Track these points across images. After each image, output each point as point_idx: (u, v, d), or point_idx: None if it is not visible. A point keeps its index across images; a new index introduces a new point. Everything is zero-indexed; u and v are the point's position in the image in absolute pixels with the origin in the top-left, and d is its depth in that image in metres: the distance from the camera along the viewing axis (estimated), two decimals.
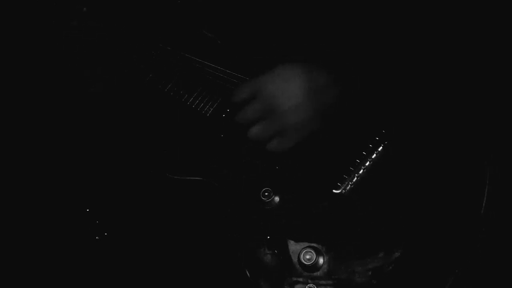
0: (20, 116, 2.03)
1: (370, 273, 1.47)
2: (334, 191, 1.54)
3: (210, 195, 1.67)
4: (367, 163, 1.54)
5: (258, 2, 1.75)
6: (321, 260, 1.49)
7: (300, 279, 1.51)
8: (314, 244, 1.51)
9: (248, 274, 1.55)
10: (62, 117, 2.00)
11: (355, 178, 1.53)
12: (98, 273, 1.98)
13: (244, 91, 1.59)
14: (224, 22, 1.76)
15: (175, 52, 1.74)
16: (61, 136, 2.02)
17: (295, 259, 1.52)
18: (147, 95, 1.82)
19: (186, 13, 1.78)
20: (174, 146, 1.74)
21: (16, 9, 1.87)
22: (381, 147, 1.54)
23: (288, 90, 1.54)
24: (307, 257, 1.49)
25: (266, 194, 1.58)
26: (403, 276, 1.45)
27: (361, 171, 1.53)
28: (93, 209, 2.00)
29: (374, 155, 1.54)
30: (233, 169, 1.65)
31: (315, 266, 1.49)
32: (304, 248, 1.50)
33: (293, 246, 1.53)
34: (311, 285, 1.49)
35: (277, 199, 1.58)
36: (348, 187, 1.53)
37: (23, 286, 2.01)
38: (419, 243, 1.45)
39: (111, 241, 1.98)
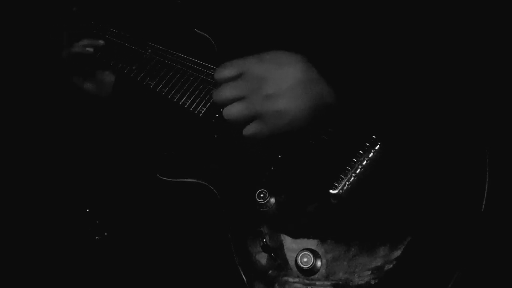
0: (20, 117, 2.03)
1: (369, 273, 1.39)
2: (331, 191, 1.44)
3: (205, 196, 1.60)
4: (365, 162, 1.44)
5: (252, 1, 1.65)
6: (318, 263, 1.41)
7: (297, 283, 1.43)
8: (311, 247, 1.43)
9: (244, 277, 1.47)
10: (62, 118, 2.00)
11: (352, 178, 1.44)
12: (98, 273, 1.96)
13: (230, 69, 1.42)
14: (217, 21, 1.68)
15: (167, 51, 1.67)
16: (61, 137, 2.02)
17: (292, 262, 1.43)
18: (142, 96, 1.76)
19: (178, 12, 1.72)
20: (169, 147, 1.68)
21: (8, 7, 1.83)
22: (378, 146, 1.44)
23: (278, 74, 1.40)
24: (304, 260, 1.40)
25: (262, 195, 1.49)
26: (403, 276, 1.37)
27: (358, 170, 1.44)
28: (93, 209, 1.97)
29: (372, 153, 1.44)
30: (228, 170, 1.57)
31: (312, 270, 1.40)
32: (301, 250, 1.41)
33: (289, 249, 1.45)
34: None
35: (272, 200, 1.49)
36: (345, 187, 1.44)
37: (23, 286, 2.00)
38: (419, 241, 1.36)
39: (111, 241, 1.95)
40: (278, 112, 1.39)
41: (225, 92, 1.41)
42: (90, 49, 1.77)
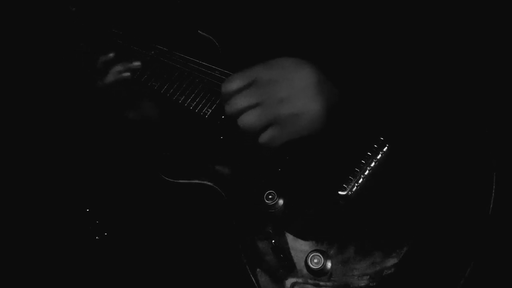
0: (21, 116, 1.99)
1: (378, 274, 1.36)
2: (339, 192, 1.42)
3: (212, 198, 1.57)
4: (373, 164, 1.42)
5: (256, 3, 1.62)
6: (329, 264, 1.39)
7: (306, 283, 1.40)
8: (320, 248, 1.40)
9: (253, 280, 1.45)
10: (63, 117, 1.96)
11: (361, 179, 1.42)
12: (98, 273, 1.94)
13: (238, 80, 1.38)
14: (220, 22, 1.64)
15: (171, 53, 1.63)
16: (62, 137, 1.98)
17: (301, 264, 1.41)
18: (146, 97, 1.72)
19: (182, 13, 1.68)
20: (175, 149, 1.64)
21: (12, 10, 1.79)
22: (386, 147, 1.42)
23: (289, 77, 1.36)
24: (315, 261, 1.38)
25: (270, 197, 1.46)
26: (413, 277, 1.35)
27: (367, 172, 1.42)
28: (93, 209, 1.95)
29: (380, 155, 1.42)
30: (235, 172, 1.54)
31: (323, 271, 1.38)
32: (311, 252, 1.39)
33: (298, 250, 1.43)
34: None
35: (281, 202, 1.46)
36: (354, 189, 1.41)
37: (23, 286, 1.96)
38: (428, 243, 1.34)
39: (111, 241, 1.93)
40: (294, 115, 1.36)
41: (239, 102, 1.36)
42: (127, 74, 1.64)
